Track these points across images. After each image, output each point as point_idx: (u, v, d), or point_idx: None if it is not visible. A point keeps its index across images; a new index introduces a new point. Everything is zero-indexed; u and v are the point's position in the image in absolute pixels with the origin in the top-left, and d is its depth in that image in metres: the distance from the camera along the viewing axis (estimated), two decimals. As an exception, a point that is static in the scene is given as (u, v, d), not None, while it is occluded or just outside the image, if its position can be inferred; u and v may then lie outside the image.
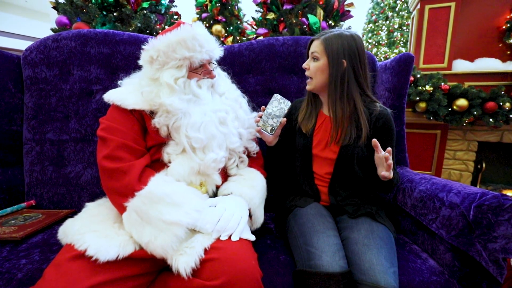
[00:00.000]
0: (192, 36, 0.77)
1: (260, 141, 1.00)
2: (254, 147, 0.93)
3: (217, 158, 0.77)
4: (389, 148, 0.73)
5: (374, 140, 0.74)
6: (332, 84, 0.85)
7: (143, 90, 0.77)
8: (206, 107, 0.80)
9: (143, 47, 0.82)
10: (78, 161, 1.15)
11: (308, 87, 0.92)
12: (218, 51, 0.87)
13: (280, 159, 0.98)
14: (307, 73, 0.91)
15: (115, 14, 1.75)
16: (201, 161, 0.75)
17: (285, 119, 0.83)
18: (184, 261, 0.59)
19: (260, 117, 0.83)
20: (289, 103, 0.83)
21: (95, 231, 0.64)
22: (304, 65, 0.91)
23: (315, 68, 0.87)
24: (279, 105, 0.83)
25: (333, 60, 0.84)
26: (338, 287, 0.66)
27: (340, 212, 0.90)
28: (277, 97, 0.84)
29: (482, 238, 0.70)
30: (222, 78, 0.93)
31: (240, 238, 0.67)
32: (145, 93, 0.77)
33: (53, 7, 1.81)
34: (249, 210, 0.78)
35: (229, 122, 0.83)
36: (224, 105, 0.86)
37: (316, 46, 0.87)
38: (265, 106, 0.84)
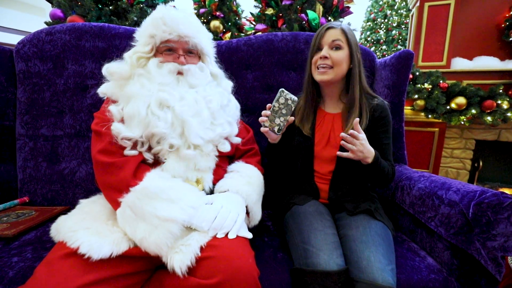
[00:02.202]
0: (160, 16, 0.77)
1: (258, 138, 0.99)
2: (225, 148, 0.82)
3: (126, 137, 0.69)
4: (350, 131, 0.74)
5: (356, 120, 0.76)
6: (356, 76, 0.86)
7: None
8: (150, 85, 0.74)
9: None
10: (73, 157, 1.13)
11: (324, 77, 0.85)
12: (187, 31, 0.77)
13: (280, 157, 0.96)
14: (326, 61, 0.84)
15: (111, 7, 1.72)
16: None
17: (292, 117, 0.78)
18: (179, 259, 0.58)
19: (267, 116, 0.77)
20: (296, 99, 0.76)
21: (88, 228, 0.62)
22: (324, 53, 0.84)
23: (339, 57, 0.84)
24: (285, 101, 0.76)
25: (353, 50, 0.84)
26: (335, 285, 0.65)
27: (339, 209, 0.89)
28: (283, 93, 0.75)
29: (481, 236, 0.69)
30: (202, 71, 0.83)
31: (237, 236, 0.66)
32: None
33: (47, 0, 1.77)
34: (246, 207, 0.76)
35: (175, 108, 0.73)
36: (185, 93, 0.77)
37: (337, 35, 0.84)
38: (270, 103, 0.78)
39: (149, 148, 0.74)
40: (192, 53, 0.82)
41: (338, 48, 0.84)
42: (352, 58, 0.85)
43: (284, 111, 0.76)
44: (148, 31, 0.78)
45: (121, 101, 0.74)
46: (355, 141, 0.74)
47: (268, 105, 0.78)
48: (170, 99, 0.73)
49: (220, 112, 0.82)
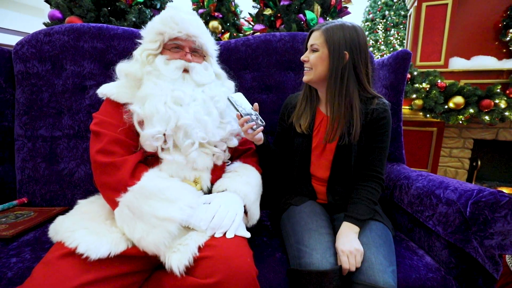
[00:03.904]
0: (171, 15, 0.78)
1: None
2: (234, 143, 0.86)
3: (154, 135, 0.70)
4: None
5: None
6: (332, 78, 0.80)
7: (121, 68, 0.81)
8: (163, 83, 0.75)
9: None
10: (71, 158, 1.13)
11: (305, 78, 0.86)
12: (195, 31, 0.80)
13: (271, 157, 0.94)
14: (306, 65, 0.86)
15: (109, 8, 1.72)
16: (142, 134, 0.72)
17: (256, 104, 0.83)
18: (177, 259, 0.58)
19: (247, 121, 0.78)
20: (240, 93, 0.84)
21: (86, 228, 0.62)
22: (303, 58, 0.86)
23: (315, 58, 0.82)
24: (240, 99, 0.81)
25: (334, 51, 0.78)
26: (330, 283, 0.65)
27: (338, 210, 0.89)
28: (231, 98, 0.80)
29: (478, 234, 0.70)
30: (207, 70, 0.85)
31: (235, 235, 0.66)
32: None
33: (46, 1, 1.77)
34: (244, 206, 0.76)
35: (189, 106, 0.76)
36: (193, 92, 0.79)
37: (315, 38, 0.82)
38: (239, 112, 0.79)
39: (149, 153, 0.75)
40: (197, 53, 0.84)
41: (315, 51, 0.83)
42: (330, 59, 0.80)
43: (247, 108, 0.81)
44: (157, 28, 0.79)
45: (135, 102, 0.74)
46: (356, 262, 0.68)
47: (237, 113, 0.79)
48: (184, 98, 0.76)
49: (227, 111, 0.85)
